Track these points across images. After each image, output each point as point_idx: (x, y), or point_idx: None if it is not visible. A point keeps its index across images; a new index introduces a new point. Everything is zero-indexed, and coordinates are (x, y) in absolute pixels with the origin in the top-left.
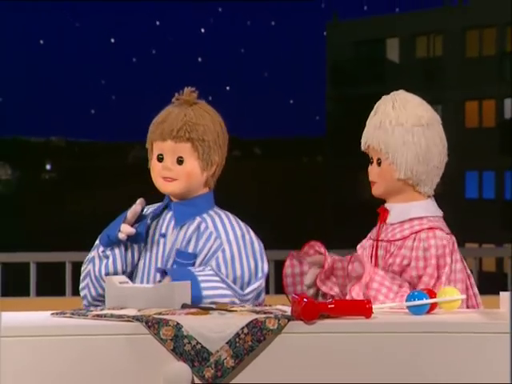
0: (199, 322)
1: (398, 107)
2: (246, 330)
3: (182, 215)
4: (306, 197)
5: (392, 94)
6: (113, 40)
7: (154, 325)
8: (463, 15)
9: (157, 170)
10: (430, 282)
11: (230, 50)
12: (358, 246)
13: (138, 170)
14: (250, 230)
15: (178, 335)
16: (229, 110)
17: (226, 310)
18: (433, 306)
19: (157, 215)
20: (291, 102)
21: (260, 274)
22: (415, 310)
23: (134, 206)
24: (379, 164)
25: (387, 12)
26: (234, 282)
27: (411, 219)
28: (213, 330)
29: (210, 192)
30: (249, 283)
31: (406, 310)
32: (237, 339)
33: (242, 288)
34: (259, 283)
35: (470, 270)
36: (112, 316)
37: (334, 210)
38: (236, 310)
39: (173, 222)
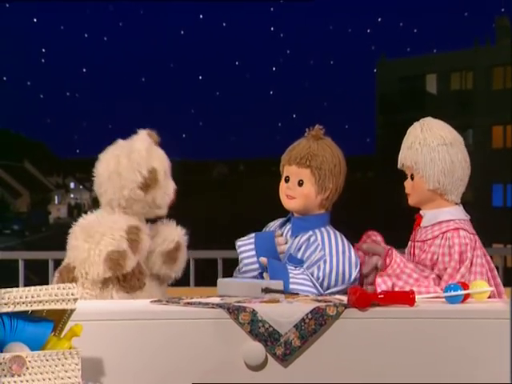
0: (271, 309)
1: (425, 130)
2: (310, 316)
3: (297, 228)
4: (358, 205)
5: (421, 120)
6: (200, 77)
7: (233, 311)
8: (490, 55)
9: (283, 189)
10: (453, 273)
11: (296, 84)
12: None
13: (222, 183)
14: (351, 248)
15: (254, 320)
16: (294, 134)
17: (294, 299)
18: (466, 297)
19: (282, 225)
20: (346, 126)
21: (346, 283)
22: (451, 300)
23: (280, 238)
24: (412, 178)
25: (426, 52)
26: (328, 287)
27: (440, 222)
28: (282, 316)
29: (325, 213)
30: (336, 288)
31: (444, 300)
32: (302, 323)
33: (328, 289)
34: (341, 287)
35: (496, 266)
36: (200, 303)
37: (382, 217)
38: (301, 299)
39: (290, 233)
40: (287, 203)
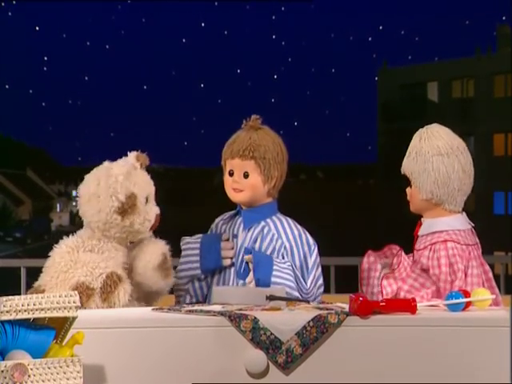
0: (273, 317)
1: (423, 139)
2: (311, 324)
3: (248, 220)
4: (360, 212)
5: (426, 127)
6: (202, 85)
7: (235, 319)
8: (491, 63)
9: (228, 183)
10: (445, 285)
11: (298, 92)
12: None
13: (223, 191)
14: (306, 231)
15: (256, 327)
16: (296, 142)
17: (295, 307)
18: (468, 305)
19: (230, 219)
20: (348, 134)
21: (311, 265)
22: (453, 308)
23: (226, 242)
24: (411, 186)
25: (428, 60)
26: (293, 269)
27: (434, 232)
28: (284, 323)
29: (273, 201)
30: (307, 275)
31: (445, 308)
32: (304, 331)
33: (303, 277)
34: (313, 274)
35: (497, 274)
36: (201, 311)
37: (383, 224)
38: (302, 307)
39: (242, 226)
40: (235, 196)
